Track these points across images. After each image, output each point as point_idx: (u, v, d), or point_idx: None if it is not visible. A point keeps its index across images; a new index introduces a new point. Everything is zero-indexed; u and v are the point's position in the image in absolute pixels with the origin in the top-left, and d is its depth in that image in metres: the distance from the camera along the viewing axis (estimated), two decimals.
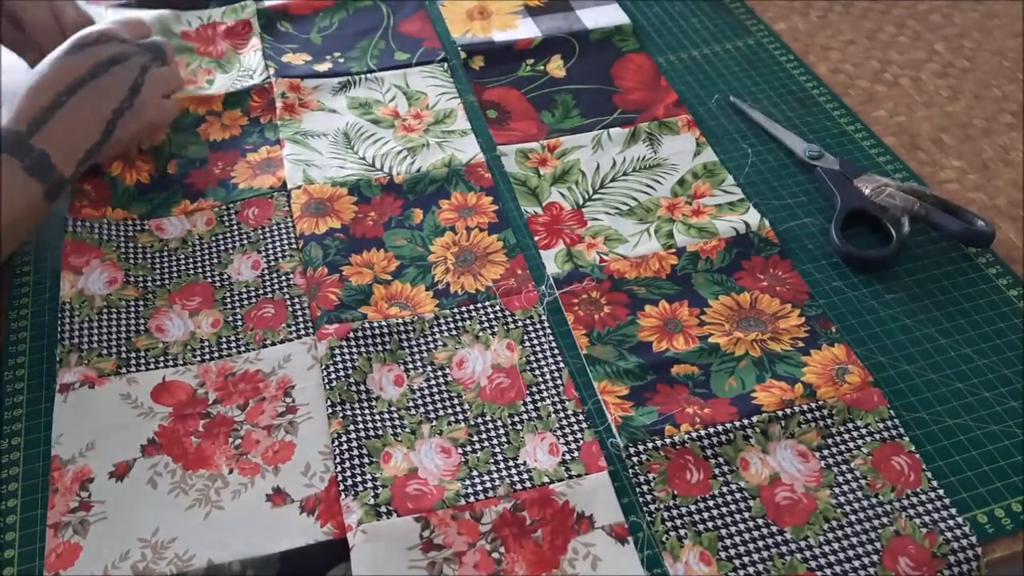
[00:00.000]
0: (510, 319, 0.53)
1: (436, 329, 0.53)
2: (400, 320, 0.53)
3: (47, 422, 0.49)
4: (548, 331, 0.53)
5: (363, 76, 0.70)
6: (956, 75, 0.72)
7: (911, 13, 0.79)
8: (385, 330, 0.52)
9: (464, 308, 0.54)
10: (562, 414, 0.49)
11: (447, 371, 0.51)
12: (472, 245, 0.58)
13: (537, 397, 0.50)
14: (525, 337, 0.52)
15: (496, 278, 0.55)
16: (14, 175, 0.52)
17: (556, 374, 0.51)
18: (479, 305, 0.54)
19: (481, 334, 0.52)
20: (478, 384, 0.50)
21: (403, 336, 0.52)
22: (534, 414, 0.49)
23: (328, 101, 0.68)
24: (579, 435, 0.48)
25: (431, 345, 0.52)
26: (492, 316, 0.53)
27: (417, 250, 0.57)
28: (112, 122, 0.57)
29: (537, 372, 0.51)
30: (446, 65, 0.71)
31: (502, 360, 0.51)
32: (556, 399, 0.49)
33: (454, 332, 0.53)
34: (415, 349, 0.52)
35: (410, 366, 0.51)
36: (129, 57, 0.59)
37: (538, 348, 0.52)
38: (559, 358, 0.51)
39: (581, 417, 0.49)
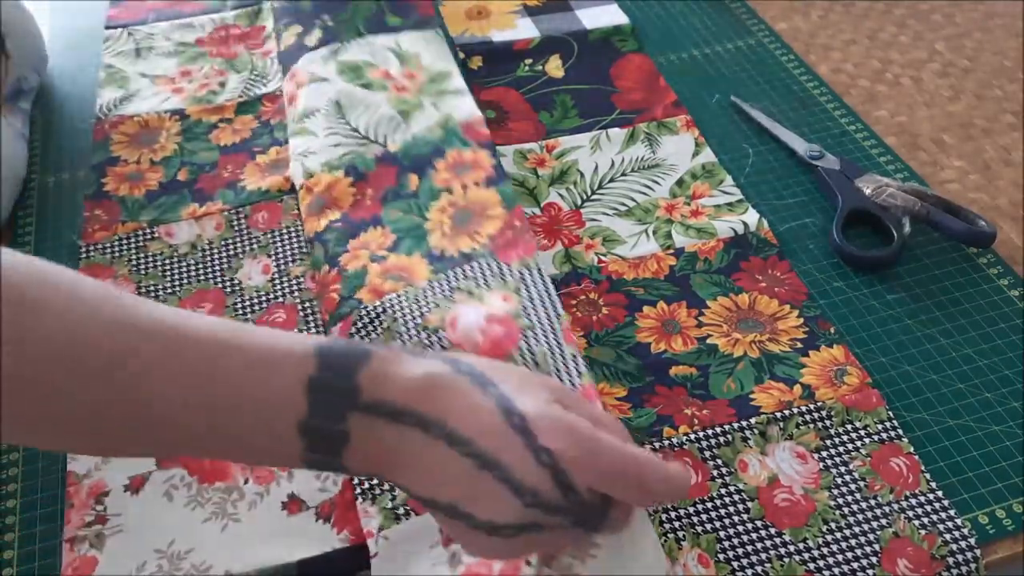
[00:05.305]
0: (506, 271, 0.51)
1: (429, 293, 0.51)
2: (393, 295, 0.51)
3: None
4: (546, 281, 0.51)
5: (353, 40, 0.68)
6: (957, 75, 0.72)
7: (912, 13, 0.79)
8: (380, 310, 0.51)
9: (458, 269, 0.52)
10: (560, 357, 0.47)
11: (442, 333, 0.49)
12: (469, 204, 0.56)
13: (532, 341, 0.47)
14: (521, 286, 0.50)
15: (493, 233, 0.54)
16: (280, 413, 0.34)
17: (553, 319, 0.49)
18: (473, 264, 0.52)
19: (475, 290, 0.50)
20: (475, 342, 0.47)
21: (396, 309, 0.51)
22: (529, 357, 0.47)
23: (319, 69, 0.66)
24: (577, 380, 0.46)
25: (424, 310, 0.50)
26: (488, 272, 0.51)
27: (414, 220, 0.56)
28: (438, 506, 0.35)
29: (534, 318, 0.49)
30: (440, 31, 0.69)
31: (496, 310, 0.49)
32: (554, 342, 0.47)
33: (448, 293, 0.51)
34: (408, 318, 0.50)
35: (404, 337, 0.49)
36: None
37: (535, 297, 0.50)
38: (558, 306, 0.49)
39: (580, 361, 0.47)
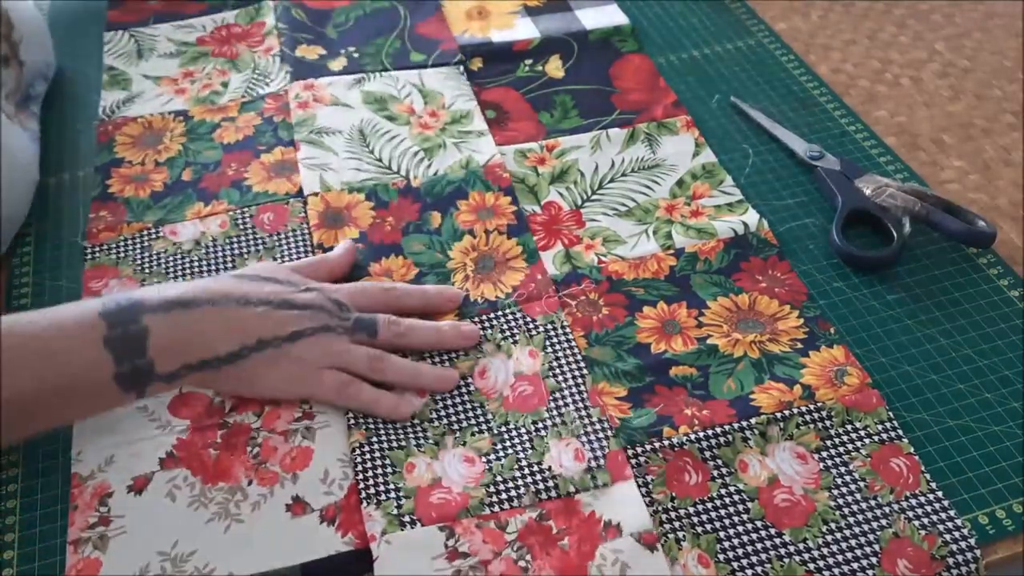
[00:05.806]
0: (531, 326, 0.52)
1: None
2: None
3: None
4: (569, 338, 0.52)
5: (377, 73, 0.70)
6: (957, 75, 0.72)
7: (912, 13, 0.79)
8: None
9: (485, 316, 0.53)
10: (586, 420, 0.48)
11: (470, 380, 0.50)
12: (492, 250, 0.57)
13: (561, 403, 0.49)
14: (547, 343, 0.52)
15: (516, 284, 0.55)
16: (86, 342, 0.43)
17: (579, 380, 0.50)
18: (499, 313, 0.53)
19: (503, 343, 0.52)
20: (501, 394, 0.49)
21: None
22: (558, 419, 0.48)
23: (342, 95, 0.68)
24: (604, 443, 0.47)
25: (453, 355, 0.51)
26: (513, 324, 0.53)
27: (436, 256, 0.57)
28: (249, 349, 0.47)
29: (560, 378, 0.50)
30: (462, 68, 0.71)
31: (524, 368, 0.50)
32: (580, 405, 0.49)
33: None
34: (436, 359, 0.51)
35: None
36: (328, 327, 0.49)
37: (560, 354, 0.51)
38: (582, 365, 0.51)
39: (607, 425, 0.48)
